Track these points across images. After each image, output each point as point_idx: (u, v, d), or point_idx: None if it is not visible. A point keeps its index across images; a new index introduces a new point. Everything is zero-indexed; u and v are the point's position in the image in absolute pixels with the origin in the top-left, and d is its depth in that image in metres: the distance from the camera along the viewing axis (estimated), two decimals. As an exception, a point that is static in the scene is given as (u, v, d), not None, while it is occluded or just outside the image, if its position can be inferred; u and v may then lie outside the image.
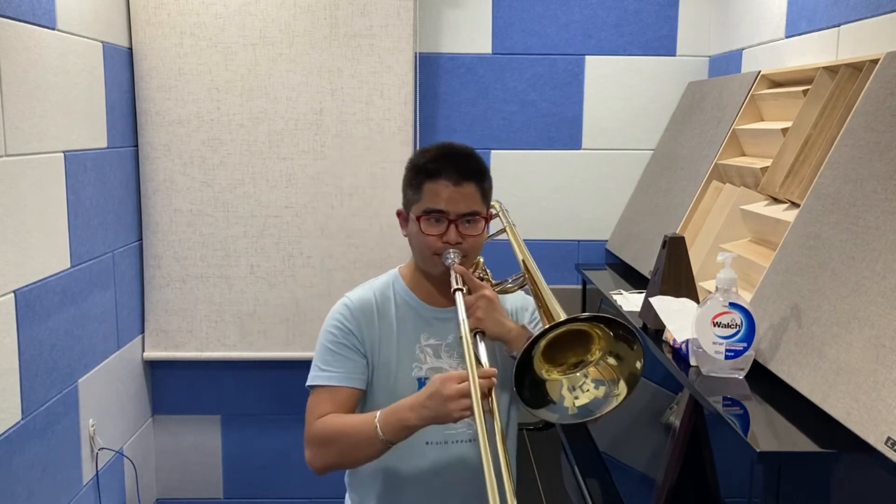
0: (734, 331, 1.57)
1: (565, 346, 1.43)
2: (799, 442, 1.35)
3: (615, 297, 2.33)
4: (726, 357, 1.58)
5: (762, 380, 1.56)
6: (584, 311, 3.01)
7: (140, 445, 2.95)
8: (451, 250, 1.62)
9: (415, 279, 1.74)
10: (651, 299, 1.89)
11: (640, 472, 1.89)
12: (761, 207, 2.03)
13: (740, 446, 1.34)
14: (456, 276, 1.60)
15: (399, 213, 1.73)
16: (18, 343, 2.04)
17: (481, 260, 1.80)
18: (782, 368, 1.52)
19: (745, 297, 1.65)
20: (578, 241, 3.11)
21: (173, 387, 3.06)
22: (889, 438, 1.19)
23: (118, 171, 2.72)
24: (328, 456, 1.60)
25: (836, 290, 1.47)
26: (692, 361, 1.67)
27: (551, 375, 1.44)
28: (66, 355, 2.32)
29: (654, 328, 1.91)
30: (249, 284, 2.94)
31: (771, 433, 1.41)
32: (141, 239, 2.92)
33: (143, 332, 2.96)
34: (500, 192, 3.05)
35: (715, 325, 1.57)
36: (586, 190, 3.08)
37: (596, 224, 3.09)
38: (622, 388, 1.43)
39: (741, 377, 1.58)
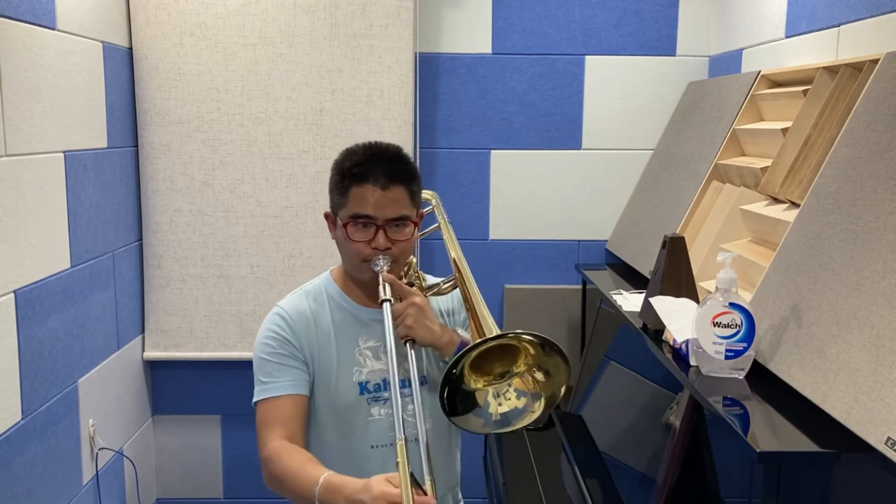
0: (734, 331, 1.57)
1: (493, 356, 1.44)
2: (799, 442, 1.34)
3: (615, 297, 2.33)
4: (726, 357, 1.58)
5: (762, 380, 1.56)
6: (583, 311, 3.01)
7: (140, 445, 2.95)
8: (380, 256, 1.58)
9: (348, 282, 1.70)
10: (651, 299, 1.89)
11: (640, 472, 1.89)
12: (761, 207, 2.03)
13: (740, 446, 1.35)
14: (384, 285, 1.57)
15: (326, 216, 1.68)
16: (18, 343, 2.04)
17: (413, 261, 1.76)
18: (782, 368, 1.52)
19: (745, 297, 1.65)
20: (578, 241, 3.11)
21: (173, 387, 3.06)
22: (889, 438, 1.19)
23: (118, 171, 2.72)
24: (278, 489, 1.58)
25: (836, 290, 1.47)
26: (692, 361, 1.67)
27: (477, 385, 1.46)
28: (66, 355, 2.32)
29: (654, 328, 1.91)
30: (249, 284, 2.94)
31: (771, 433, 1.41)
32: (141, 239, 2.92)
33: (142, 332, 2.96)
34: (500, 191, 3.07)
35: (715, 325, 1.57)
36: (586, 190, 3.08)
37: (596, 224, 3.09)
38: (540, 405, 1.44)
39: (741, 377, 1.58)
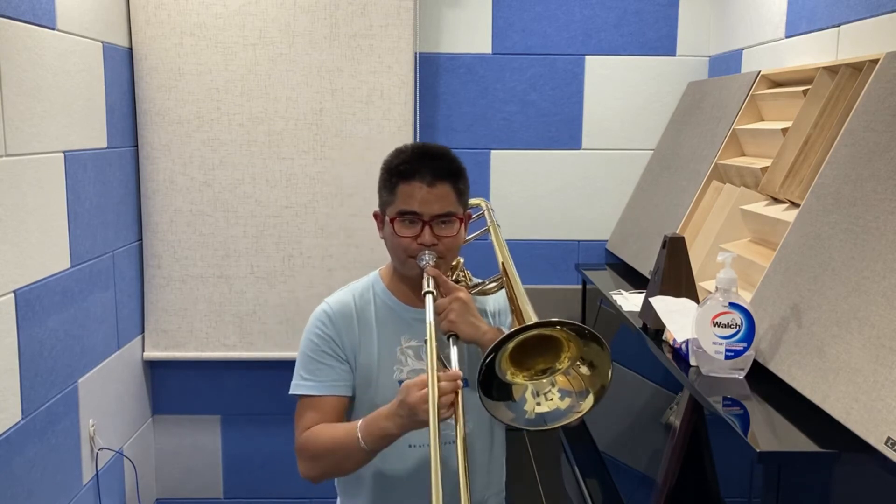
0: (734, 331, 1.57)
1: (534, 351, 1.43)
2: (799, 442, 1.35)
3: (615, 297, 2.33)
4: (726, 357, 1.58)
5: (762, 380, 1.56)
6: (583, 310, 3.01)
7: (140, 445, 2.95)
8: (426, 252, 1.60)
9: (394, 281, 1.72)
10: (651, 299, 1.89)
11: (640, 472, 1.89)
12: (761, 207, 2.03)
13: (740, 446, 1.34)
14: (428, 279, 1.58)
15: (375, 215, 1.71)
16: (18, 343, 2.04)
17: (461, 260, 1.78)
18: (782, 368, 1.52)
19: (745, 297, 1.65)
20: (578, 241, 3.11)
21: (173, 387, 3.06)
22: (889, 438, 1.19)
23: (118, 171, 2.72)
24: (320, 468, 1.62)
25: (836, 290, 1.47)
26: (692, 361, 1.67)
27: (516, 379, 1.44)
28: (66, 355, 2.32)
29: (654, 328, 1.91)
30: (249, 284, 2.94)
31: (771, 433, 1.41)
32: (141, 239, 2.92)
33: (142, 332, 2.96)
34: (500, 191, 3.07)
35: (715, 325, 1.57)
36: (586, 190, 3.08)
37: (596, 224, 3.09)
38: (588, 401, 1.41)
39: (741, 377, 1.58)
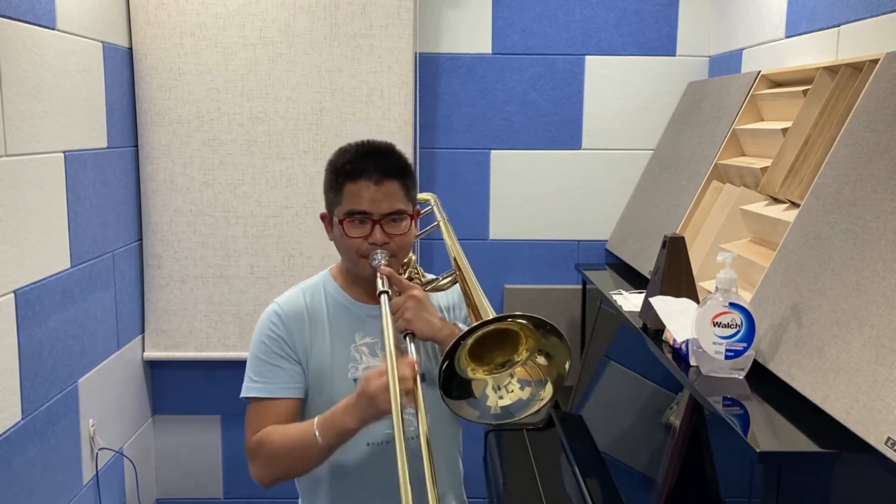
0: (734, 331, 1.57)
1: (493, 344, 1.43)
2: (799, 442, 1.35)
3: (615, 297, 2.33)
4: (726, 357, 1.58)
5: (762, 380, 1.56)
6: (583, 311, 3.01)
7: (140, 445, 2.95)
8: (377, 251, 1.59)
9: (347, 278, 1.70)
10: (651, 299, 1.89)
11: (640, 472, 1.89)
12: (761, 207, 2.03)
13: (740, 446, 1.35)
14: (382, 278, 1.56)
15: (323, 217, 1.69)
16: (18, 343, 2.04)
17: (413, 258, 1.76)
18: (782, 368, 1.52)
19: (745, 297, 1.65)
20: (578, 241, 3.11)
21: (173, 387, 3.06)
22: (889, 438, 1.19)
23: (118, 171, 2.72)
24: (273, 471, 1.60)
25: (836, 290, 1.47)
26: (692, 361, 1.67)
27: (477, 375, 1.44)
28: (66, 355, 2.32)
29: (654, 328, 1.91)
30: (249, 284, 2.94)
31: (771, 433, 1.41)
32: (141, 239, 2.92)
33: (142, 332, 2.96)
34: (500, 191, 3.07)
35: (715, 325, 1.57)
36: (586, 190, 3.08)
37: (596, 224, 3.09)
38: (548, 390, 1.43)
39: (741, 377, 1.58)
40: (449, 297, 1.78)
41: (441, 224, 1.85)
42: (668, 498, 1.66)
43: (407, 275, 1.71)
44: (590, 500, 1.94)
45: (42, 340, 2.17)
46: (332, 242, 1.69)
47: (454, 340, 1.37)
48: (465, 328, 1.63)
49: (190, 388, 3.06)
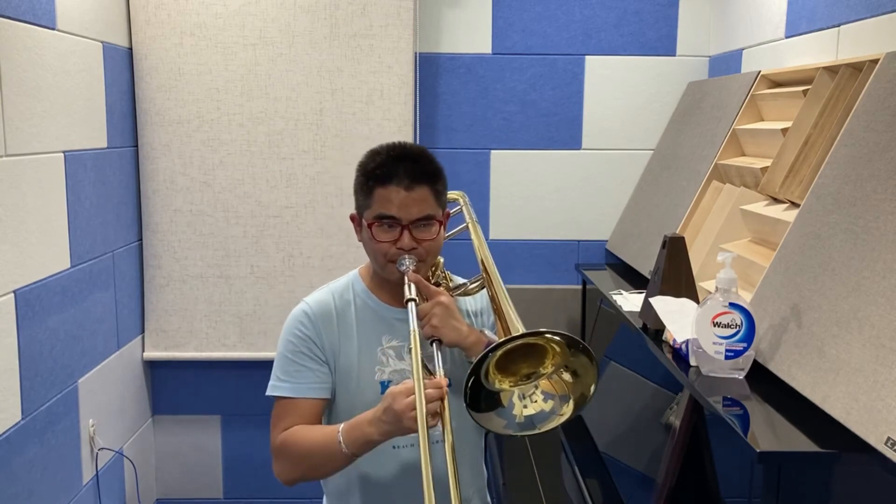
0: (734, 331, 1.57)
1: (518, 356, 1.42)
2: (799, 442, 1.35)
3: (615, 297, 2.33)
4: (726, 357, 1.58)
5: (762, 380, 1.56)
6: (583, 311, 3.01)
7: (140, 445, 2.95)
8: (405, 256, 1.57)
9: (374, 280, 1.69)
10: (651, 299, 1.89)
11: (640, 472, 1.89)
12: (761, 207, 2.03)
13: (740, 446, 1.35)
14: (409, 285, 1.55)
15: (352, 218, 1.68)
16: (18, 343, 2.04)
17: (441, 261, 1.75)
18: (782, 368, 1.52)
19: (745, 297, 1.65)
20: (578, 241, 3.11)
21: (173, 387, 3.06)
22: (889, 438, 1.19)
23: (118, 171, 2.72)
24: (298, 471, 1.59)
25: (836, 290, 1.47)
26: (692, 361, 1.67)
27: (503, 385, 1.43)
28: (66, 355, 2.32)
29: (654, 328, 1.91)
30: (249, 284, 2.94)
31: (771, 433, 1.41)
32: (141, 239, 2.92)
33: (142, 332, 2.96)
34: (500, 191, 3.07)
35: (715, 325, 1.57)
36: (586, 190, 3.08)
37: (596, 224, 3.09)
38: (569, 408, 1.41)
39: (741, 377, 1.58)
40: (477, 302, 1.76)
41: (469, 225, 1.84)
42: (668, 498, 1.66)
43: (435, 279, 1.70)
44: (590, 500, 1.94)
45: (42, 340, 2.17)
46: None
47: (479, 357, 1.36)
48: (490, 335, 1.63)
49: (190, 388, 3.06)
